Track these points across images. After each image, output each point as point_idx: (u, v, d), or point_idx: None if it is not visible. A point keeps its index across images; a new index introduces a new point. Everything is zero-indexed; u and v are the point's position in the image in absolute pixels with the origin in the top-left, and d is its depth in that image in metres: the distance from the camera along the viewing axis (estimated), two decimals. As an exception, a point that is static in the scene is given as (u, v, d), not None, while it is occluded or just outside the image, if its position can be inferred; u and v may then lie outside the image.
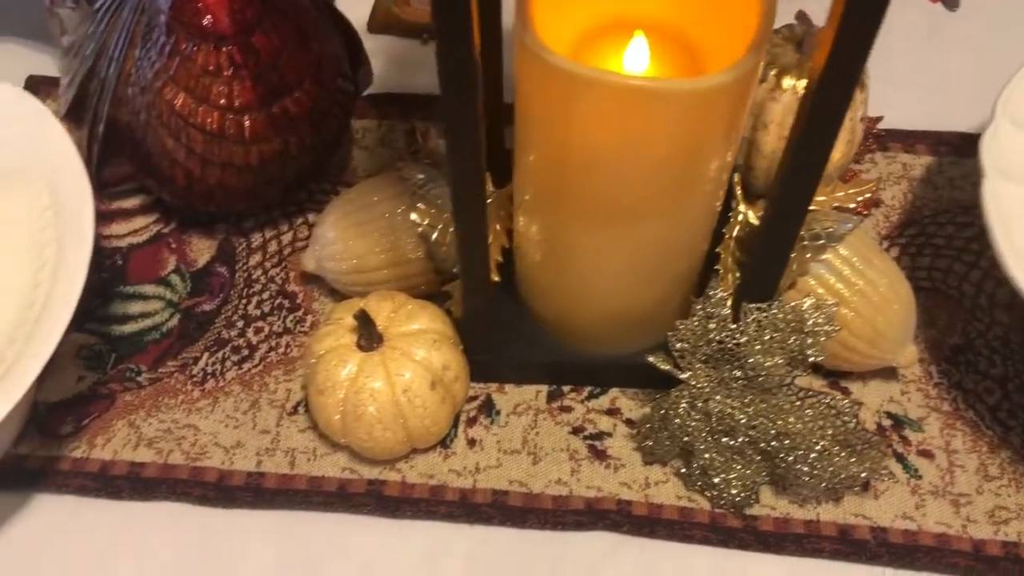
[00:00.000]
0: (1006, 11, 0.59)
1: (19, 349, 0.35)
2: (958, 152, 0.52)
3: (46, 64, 0.57)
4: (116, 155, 0.46)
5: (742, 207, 0.44)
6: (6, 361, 0.35)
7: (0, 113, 0.41)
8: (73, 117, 0.46)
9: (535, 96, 0.34)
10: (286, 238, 0.50)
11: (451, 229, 0.44)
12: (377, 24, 0.59)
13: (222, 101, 0.40)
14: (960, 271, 0.48)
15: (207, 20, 0.38)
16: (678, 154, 0.34)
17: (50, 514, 0.41)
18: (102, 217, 0.50)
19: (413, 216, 0.43)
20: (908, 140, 0.53)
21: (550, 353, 0.44)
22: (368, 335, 0.39)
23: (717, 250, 0.43)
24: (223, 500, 0.41)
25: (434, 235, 0.43)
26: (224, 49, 0.39)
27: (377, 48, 0.58)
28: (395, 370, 0.39)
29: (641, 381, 0.45)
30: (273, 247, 0.49)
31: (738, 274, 0.42)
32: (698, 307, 0.39)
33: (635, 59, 0.36)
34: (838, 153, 0.46)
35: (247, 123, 0.41)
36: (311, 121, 0.43)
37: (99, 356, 0.46)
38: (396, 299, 0.42)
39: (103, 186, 0.49)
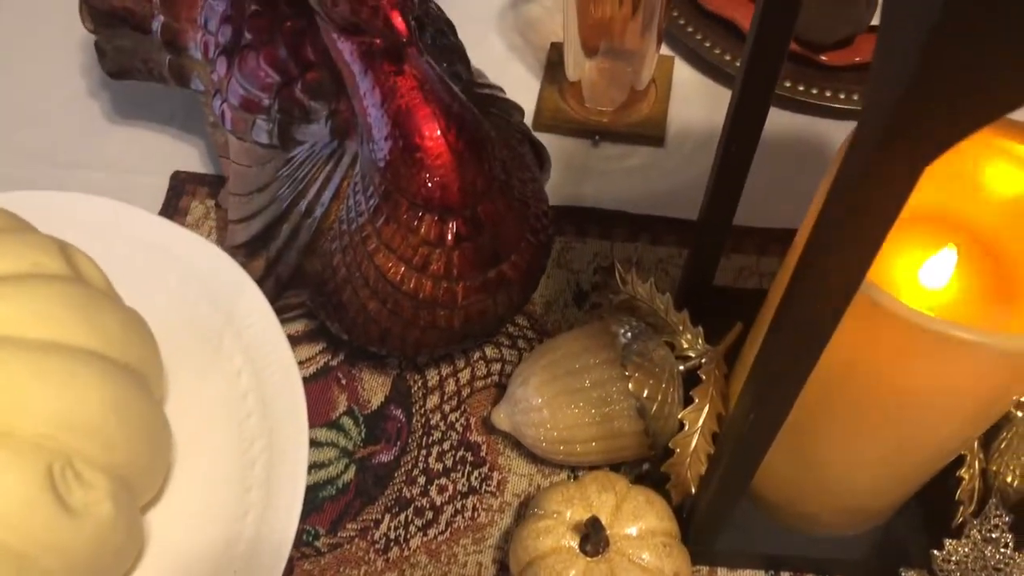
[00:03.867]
0: None
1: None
2: None
3: (191, 158, 0.53)
4: (294, 289, 0.42)
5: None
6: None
7: (190, 272, 0.37)
8: (249, 250, 0.42)
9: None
10: (464, 376, 0.46)
11: (669, 400, 0.40)
12: (543, 121, 0.54)
13: (440, 271, 0.36)
14: None
15: (437, 192, 0.34)
16: (971, 399, 0.30)
17: None
18: (264, 344, 0.46)
19: (630, 387, 0.39)
20: None
21: (769, 540, 0.40)
22: (596, 540, 0.36)
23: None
24: None
25: (653, 408, 0.39)
26: (450, 221, 0.35)
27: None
28: (624, 580, 0.35)
29: (864, 571, 0.41)
30: (451, 387, 0.46)
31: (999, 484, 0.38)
32: (975, 530, 0.35)
33: (938, 271, 0.32)
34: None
35: (460, 290, 0.37)
36: (523, 280, 0.39)
37: (271, 511, 0.42)
38: (617, 488, 0.38)
39: (270, 314, 0.45)
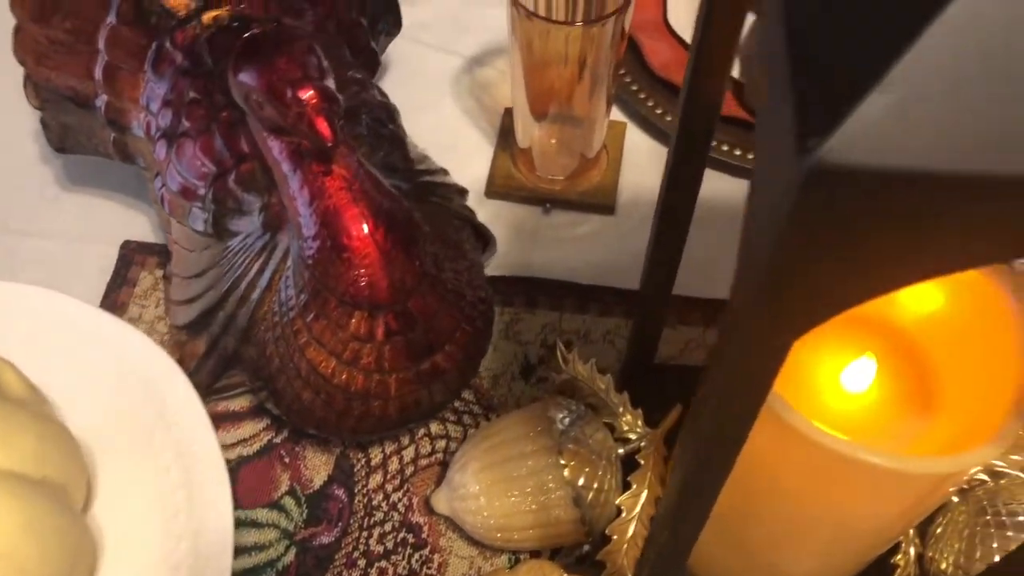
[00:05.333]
0: None
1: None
2: None
3: (143, 227, 0.53)
4: (235, 369, 0.42)
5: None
6: None
7: (122, 364, 0.37)
8: (191, 330, 0.42)
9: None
10: (407, 454, 0.46)
11: (606, 487, 0.40)
12: (495, 189, 0.55)
13: (371, 364, 0.36)
14: None
15: (365, 291, 0.34)
16: (886, 518, 0.30)
17: None
18: (208, 421, 0.46)
19: (565, 474, 0.39)
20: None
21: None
22: (527, 635, 0.36)
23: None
24: None
25: (589, 497, 0.39)
26: (379, 317, 0.35)
27: (493, 216, 0.54)
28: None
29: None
30: (394, 465, 0.45)
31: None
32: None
33: (859, 376, 0.32)
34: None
35: (392, 382, 0.37)
36: (459, 368, 0.39)
37: (210, 595, 0.42)
38: (552, 579, 0.38)
39: (212, 393, 0.45)
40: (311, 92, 0.32)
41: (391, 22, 0.52)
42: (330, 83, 0.33)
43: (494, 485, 0.40)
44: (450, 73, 0.60)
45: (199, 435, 0.35)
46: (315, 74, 0.32)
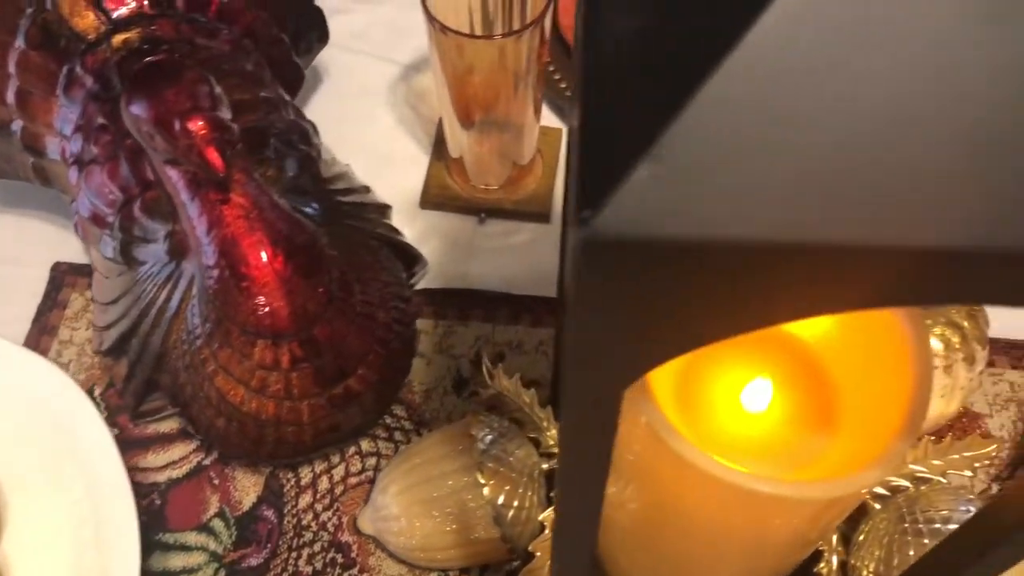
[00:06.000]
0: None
1: None
2: (1071, 370, 0.48)
3: (74, 248, 0.53)
4: (156, 393, 0.42)
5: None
6: None
7: (31, 396, 0.37)
8: (113, 355, 0.42)
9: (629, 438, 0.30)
10: (337, 472, 0.46)
11: (527, 504, 0.40)
12: (430, 199, 0.54)
13: (280, 392, 0.36)
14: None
15: (266, 320, 0.34)
16: (786, 535, 0.30)
17: None
18: (137, 444, 0.46)
19: (485, 492, 0.39)
20: (1016, 352, 0.49)
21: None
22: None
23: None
24: None
25: (509, 515, 0.39)
26: (283, 345, 0.35)
27: (428, 227, 0.53)
28: None
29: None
30: (324, 484, 0.45)
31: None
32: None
33: (757, 395, 0.32)
34: (943, 409, 0.42)
35: (304, 408, 0.37)
36: (374, 391, 0.39)
37: (138, 621, 0.42)
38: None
39: (138, 416, 0.45)
40: (200, 123, 0.31)
41: (317, 36, 0.51)
42: (224, 112, 0.33)
43: (414, 506, 0.40)
44: (386, 82, 0.60)
45: (109, 467, 0.35)
46: (205, 104, 0.32)
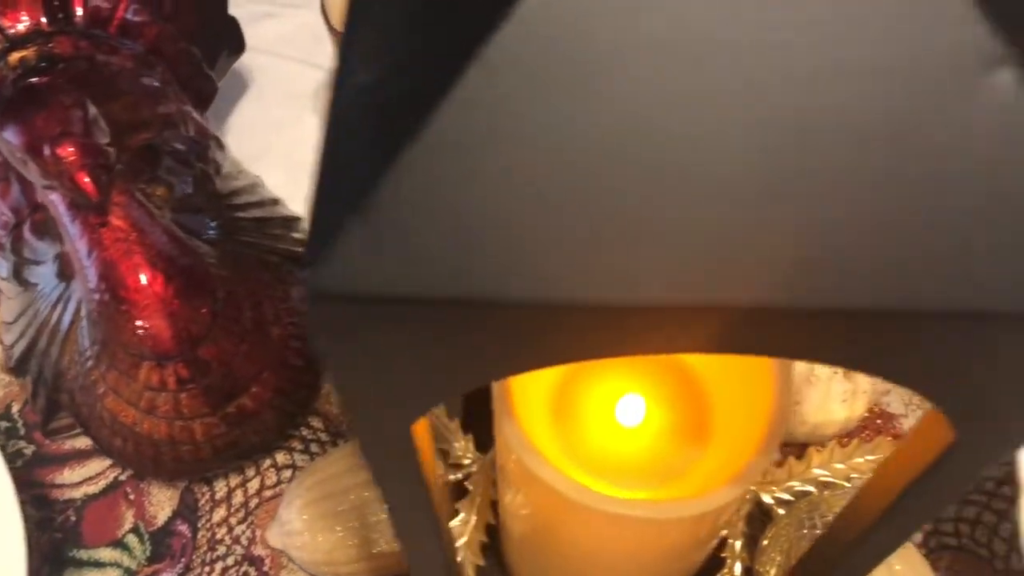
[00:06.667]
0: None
1: None
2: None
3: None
4: (61, 411, 0.42)
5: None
6: None
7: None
8: (18, 373, 0.42)
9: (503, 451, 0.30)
10: (253, 485, 0.46)
11: (429, 517, 0.40)
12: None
13: (170, 412, 0.36)
14: (990, 522, 0.44)
15: (148, 342, 0.34)
16: (662, 552, 0.30)
17: None
18: (54, 461, 0.46)
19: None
20: (932, 352, 0.48)
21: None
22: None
23: (724, 534, 0.40)
24: None
25: (410, 528, 0.39)
26: (168, 367, 0.35)
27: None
28: None
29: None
30: (239, 498, 0.45)
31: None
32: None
33: (631, 410, 0.32)
34: (847, 413, 0.42)
35: (197, 427, 0.37)
36: (273, 408, 0.39)
37: (50, 639, 0.42)
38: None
39: (49, 433, 0.45)
40: (70, 149, 0.31)
41: (232, 46, 0.51)
42: (99, 135, 0.33)
43: (318, 521, 0.40)
44: (312, 87, 0.59)
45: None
46: (77, 129, 0.32)
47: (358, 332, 0.15)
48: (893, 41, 0.13)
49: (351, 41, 0.16)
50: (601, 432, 0.32)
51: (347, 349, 0.15)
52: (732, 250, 0.14)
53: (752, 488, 0.40)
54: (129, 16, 0.44)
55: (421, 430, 0.19)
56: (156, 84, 0.43)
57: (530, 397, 0.31)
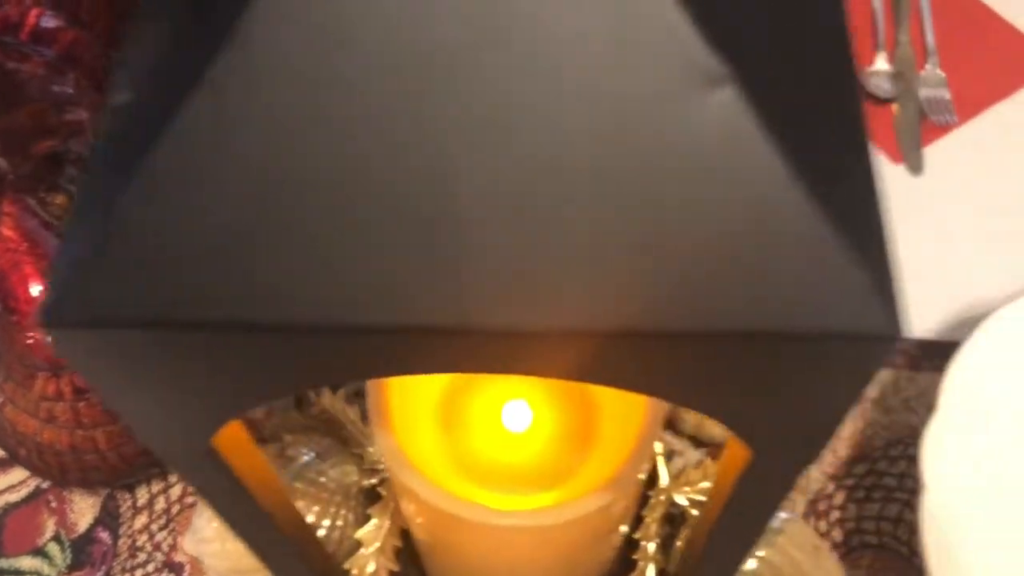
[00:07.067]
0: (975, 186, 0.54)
1: None
2: (914, 365, 0.48)
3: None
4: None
5: (664, 480, 0.40)
6: None
7: None
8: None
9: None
10: (175, 492, 0.46)
11: (340, 523, 0.40)
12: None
13: (70, 422, 0.36)
14: (911, 520, 0.44)
15: (40, 353, 0.34)
16: (551, 557, 0.30)
17: None
18: (-23, 469, 0.46)
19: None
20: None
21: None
22: None
23: (636, 536, 0.39)
24: None
25: (320, 534, 0.39)
26: (64, 376, 0.35)
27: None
28: None
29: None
30: (160, 504, 0.45)
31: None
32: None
33: (517, 416, 0.31)
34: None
35: (99, 436, 0.37)
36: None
37: (-32, 649, 0.42)
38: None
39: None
40: (-48, 161, 0.31)
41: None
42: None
43: (227, 529, 0.40)
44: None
45: None
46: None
47: (109, 359, 0.14)
48: (617, 66, 0.13)
49: (123, 60, 0.16)
50: (489, 439, 0.32)
51: (106, 375, 0.15)
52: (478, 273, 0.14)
53: (663, 488, 0.40)
54: (42, 23, 0.44)
55: (231, 443, 0.19)
56: (69, 91, 0.43)
57: (416, 405, 0.31)
